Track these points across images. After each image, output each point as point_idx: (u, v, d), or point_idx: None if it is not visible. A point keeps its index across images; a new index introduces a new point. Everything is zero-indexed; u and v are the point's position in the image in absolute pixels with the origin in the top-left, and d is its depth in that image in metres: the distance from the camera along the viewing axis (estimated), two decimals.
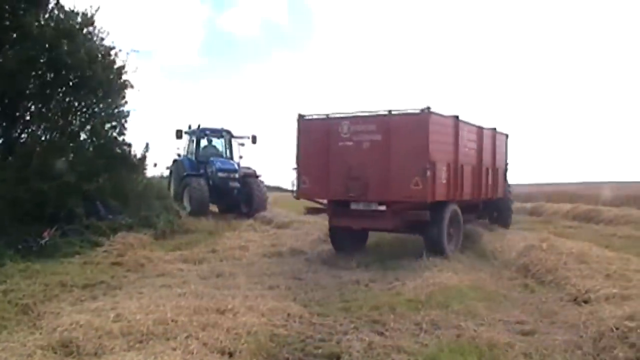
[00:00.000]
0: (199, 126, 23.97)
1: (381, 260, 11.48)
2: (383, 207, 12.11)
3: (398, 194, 11.75)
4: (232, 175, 22.74)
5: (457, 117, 12.89)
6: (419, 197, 11.61)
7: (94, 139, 14.51)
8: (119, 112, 14.90)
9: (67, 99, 13.99)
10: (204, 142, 24.29)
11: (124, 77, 14.90)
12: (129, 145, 15.27)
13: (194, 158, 23.60)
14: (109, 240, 11.97)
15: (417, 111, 11.70)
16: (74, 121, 14.17)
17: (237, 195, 22.62)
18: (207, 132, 24.40)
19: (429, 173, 11.50)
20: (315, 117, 13.15)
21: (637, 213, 20.45)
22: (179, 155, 24.15)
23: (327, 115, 12.95)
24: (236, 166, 23.42)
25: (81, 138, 14.45)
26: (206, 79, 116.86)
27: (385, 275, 9.82)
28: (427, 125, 11.58)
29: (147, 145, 16.22)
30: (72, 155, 13.90)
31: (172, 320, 5.82)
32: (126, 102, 15.20)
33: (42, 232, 11.43)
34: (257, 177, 23.84)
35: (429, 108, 11.57)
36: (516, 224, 20.31)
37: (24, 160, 12.44)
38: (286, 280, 9.01)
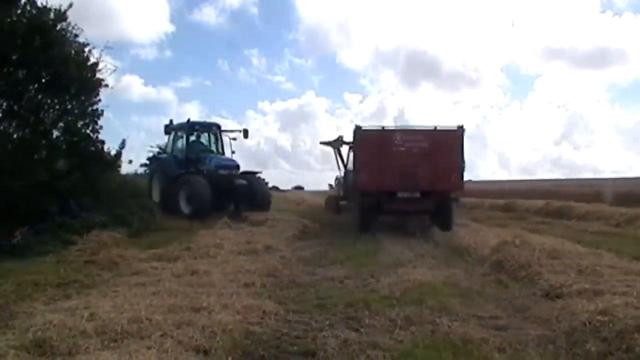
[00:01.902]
0: (188, 120, 22.21)
1: (356, 257, 11.53)
2: (418, 194, 16.86)
3: (442, 185, 16.87)
4: (234, 172, 21.15)
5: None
6: (457, 187, 17.54)
7: (67, 136, 14.37)
8: (92, 109, 14.72)
9: (39, 96, 13.80)
10: (192, 138, 22.52)
11: (97, 74, 14.75)
12: (103, 142, 15.12)
13: (182, 155, 21.76)
14: (82, 238, 11.79)
15: (455, 128, 17.10)
16: (46, 119, 13.99)
17: (243, 194, 20.70)
18: (197, 126, 22.75)
19: (463, 170, 17.21)
20: (371, 128, 17.78)
21: (608, 209, 20.71)
22: (158, 152, 23.50)
23: (383, 127, 18.00)
24: (237, 162, 21.88)
25: (54, 136, 14.29)
26: (175, 74, 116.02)
27: (359, 272, 9.87)
28: (461, 137, 17.02)
29: (123, 142, 16.06)
30: (44, 153, 13.75)
31: (147, 319, 5.77)
32: (100, 100, 15.01)
33: (14, 232, 11.28)
34: (256, 173, 22.55)
35: (462, 126, 17.08)
36: (489, 220, 20.54)
37: None
38: (261, 277, 8.97)
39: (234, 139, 22.62)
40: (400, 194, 16.88)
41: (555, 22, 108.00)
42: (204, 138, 23.20)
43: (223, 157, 22.14)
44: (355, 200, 18.47)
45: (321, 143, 26.72)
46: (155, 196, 21.47)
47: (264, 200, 21.30)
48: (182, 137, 22.38)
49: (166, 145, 23.93)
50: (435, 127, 17.28)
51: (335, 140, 25.22)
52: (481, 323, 6.56)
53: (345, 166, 24.23)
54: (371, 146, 17.19)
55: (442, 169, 16.73)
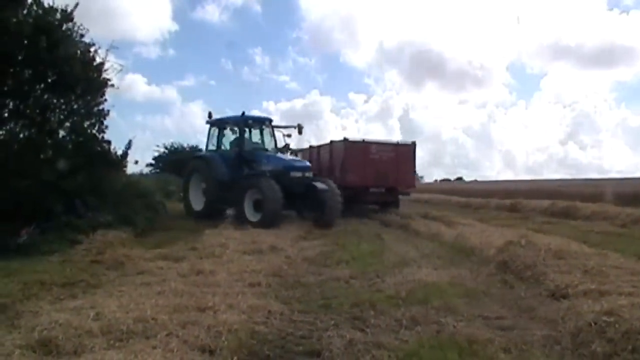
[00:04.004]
0: (243, 113, 19.50)
1: (361, 257, 11.53)
2: (384, 190, 23.72)
3: (403, 183, 24.91)
4: (306, 174, 18.43)
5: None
6: (411, 185, 26.00)
7: (73, 136, 14.40)
8: (98, 109, 14.76)
9: (46, 96, 13.84)
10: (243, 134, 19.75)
11: (103, 74, 14.78)
12: (109, 142, 15.16)
13: (233, 154, 19.17)
14: (88, 238, 11.83)
15: (410, 142, 25.40)
16: (52, 118, 14.02)
17: (324, 200, 18.02)
18: (250, 121, 20.03)
19: (415, 173, 25.61)
20: (355, 140, 23.74)
21: (614, 209, 20.65)
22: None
23: (363, 140, 24.06)
24: (308, 163, 19.51)
25: (60, 135, 14.32)
26: (179, 72, 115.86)
27: (365, 272, 9.84)
28: (414, 149, 25.04)
29: (129, 143, 16.07)
30: (50, 152, 13.78)
31: (152, 319, 5.79)
32: (105, 100, 15.05)
33: (20, 231, 11.30)
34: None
35: (414, 142, 25.12)
36: (495, 220, 20.55)
37: (1, 158, 12.29)
38: (266, 277, 8.96)
39: (289, 135, 20.72)
40: (372, 189, 23.48)
41: (561, 20, 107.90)
42: (257, 134, 20.66)
43: (289, 156, 20.09)
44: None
45: None
46: (196, 201, 19.69)
47: (334, 208, 18.48)
48: (234, 132, 19.99)
49: (207, 142, 20.93)
50: (398, 142, 25.16)
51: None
52: (487, 323, 6.55)
53: None
54: (355, 154, 23.05)
55: (401, 172, 24.10)
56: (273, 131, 20.51)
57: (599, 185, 32.22)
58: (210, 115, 20.63)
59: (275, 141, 20.49)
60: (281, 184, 17.01)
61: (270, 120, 20.70)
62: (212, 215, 18.51)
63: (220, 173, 18.73)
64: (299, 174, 18.07)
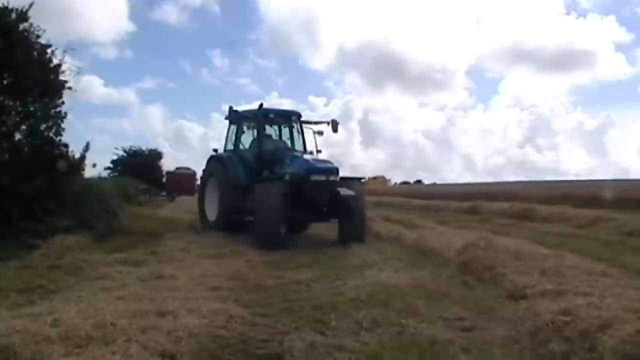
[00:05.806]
0: (260, 106, 16.55)
1: (323, 261, 11.56)
2: None
3: None
4: (331, 178, 14.79)
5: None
6: None
7: (30, 139, 14.17)
8: (55, 112, 14.54)
9: (2, 98, 13.60)
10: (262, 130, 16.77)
11: (60, 76, 14.58)
12: (66, 145, 14.94)
13: (252, 154, 16.55)
14: (46, 243, 11.60)
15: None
16: (8, 121, 13.78)
17: (350, 209, 14.69)
18: (272, 115, 16.95)
19: None
20: None
21: (571, 211, 20.99)
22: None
23: None
24: (334, 164, 15.49)
25: (16, 138, 14.08)
26: (137, 74, 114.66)
27: (326, 275, 9.87)
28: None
29: (87, 145, 15.85)
30: (6, 156, 13.55)
31: (111, 324, 5.69)
32: (63, 102, 14.83)
33: None
34: (360, 179, 16.82)
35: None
36: (455, 222, 20.76)
37: None
38: (228, 281, 8.93)
39: (320, 132, 17.38)
40: None
41: (519, 24, 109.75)
42: (284, 132, 17.99)
43: (313, 157, 16.20)
44: None
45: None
46: (212, 211, 17.12)
47: (360, 223, 15.31)
48: (252, 129, 17.29)
49: (226, 141, 18.07)
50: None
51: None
52: (447, 324, 6.62)
53: None
54: None
55: None
56: (301, 128, 17.69)
57: (557, 187, 32.78)
58: (230, 109, 17.79)
59: (304, 140, 17.65)
60: (302, 191, 14.34)
61: (299, 115, 17.78)
62: (228, 226, 15.86)
63: (236, 177, 16.11)
64: (321, 177, 14.61)
